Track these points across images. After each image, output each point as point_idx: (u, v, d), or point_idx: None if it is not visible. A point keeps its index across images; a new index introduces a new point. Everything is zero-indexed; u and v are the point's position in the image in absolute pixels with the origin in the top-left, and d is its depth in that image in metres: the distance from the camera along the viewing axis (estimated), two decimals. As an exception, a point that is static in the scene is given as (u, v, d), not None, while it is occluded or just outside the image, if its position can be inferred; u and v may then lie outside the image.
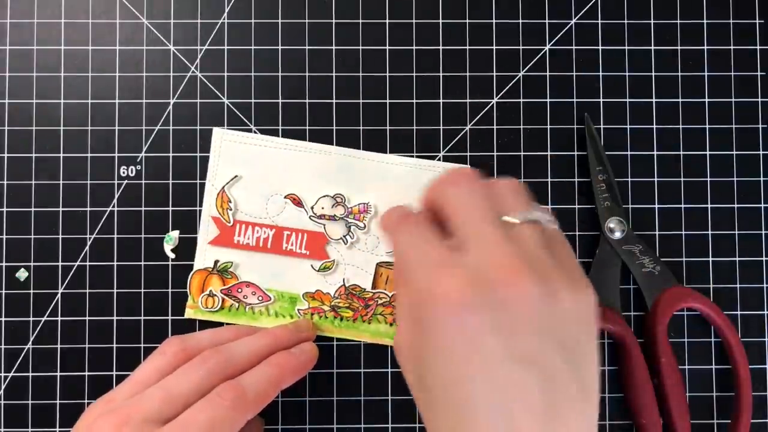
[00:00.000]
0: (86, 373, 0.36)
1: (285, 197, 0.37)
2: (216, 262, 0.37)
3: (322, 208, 0.37)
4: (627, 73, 0.38)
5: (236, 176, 0.37)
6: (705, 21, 0.38)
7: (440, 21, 0.38)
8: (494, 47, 0.38)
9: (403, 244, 0.27)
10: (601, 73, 0.38)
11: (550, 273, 0.24)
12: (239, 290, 0.37)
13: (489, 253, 0.24)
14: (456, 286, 0.23)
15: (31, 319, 0.36)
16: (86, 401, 0.36)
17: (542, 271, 0.24)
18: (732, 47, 0.38)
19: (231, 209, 0.37)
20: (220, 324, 0.37)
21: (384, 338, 0.37)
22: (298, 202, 0.37)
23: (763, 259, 0.38)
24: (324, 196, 0.37)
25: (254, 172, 0.37)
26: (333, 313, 0.37)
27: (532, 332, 0.23)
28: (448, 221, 0.26)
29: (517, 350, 0.23)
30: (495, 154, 0.38)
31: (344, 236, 0.37)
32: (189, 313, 0.37)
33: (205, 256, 0.37)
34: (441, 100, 0.38)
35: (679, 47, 0.38)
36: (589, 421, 0.24)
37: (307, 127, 0.37)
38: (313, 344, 0.35)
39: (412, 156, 0.37)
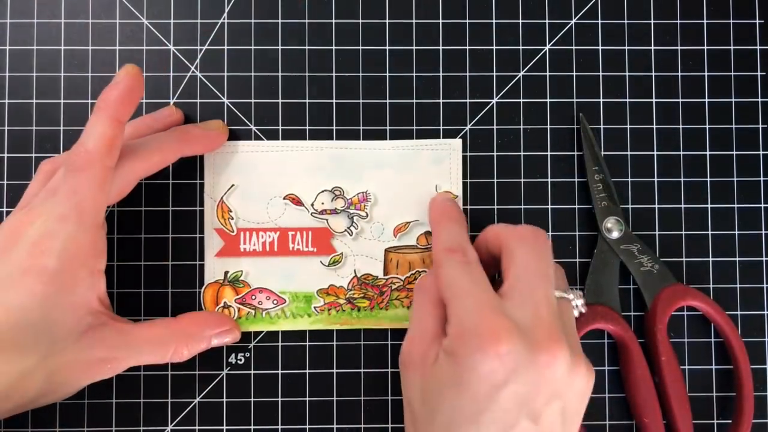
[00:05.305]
0: (86, 373, 0.36)
1: (284, 198, 0.37)
2: (226, 273, 0.37)
3: (322, 203, 0.37)
4: (627, 73, 0.38)
5: (233, 185, 0.37)
6: (705, 21, 0.38)
7: (440, 21, 0.38)
8: (494, 47, 0.38)
9: (451, 276, 0.29)
10: (601, 73, 0.38)
11: (576, 349, 0.28)
12: (253, 297, 0.37)
13: (538, 316, 0.27)
14: (505, 331, 0.26)
15: (31, 319, 0.36)
16: (86, 401, 0.36)
17: (573, 346, 0.27)
18: (732, 47, 0.38)
19: (233, 218, 0.37)
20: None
21: (404, 322, 0.37)
22: (297, 202, 0.37)
23: (763, 259, 0.38)
24: (322, 191, 0.37)
25: (250, 178, 0.37)
26: (349, 305, 0.37)
27: (548, 395, 0.26)
28: (505, 268, 0.29)
29: (529, 406, 0.26)
30: (495, 154, 0.38)
31: (348, 228, 0.37)
32: None
33: (214, 268, 0.37)
34: (441, 100, 0.38)
35: (679, 47, 0.38)
36: None
37: (307, 127, 0.37)
38: (221, 123, 0.37)
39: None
